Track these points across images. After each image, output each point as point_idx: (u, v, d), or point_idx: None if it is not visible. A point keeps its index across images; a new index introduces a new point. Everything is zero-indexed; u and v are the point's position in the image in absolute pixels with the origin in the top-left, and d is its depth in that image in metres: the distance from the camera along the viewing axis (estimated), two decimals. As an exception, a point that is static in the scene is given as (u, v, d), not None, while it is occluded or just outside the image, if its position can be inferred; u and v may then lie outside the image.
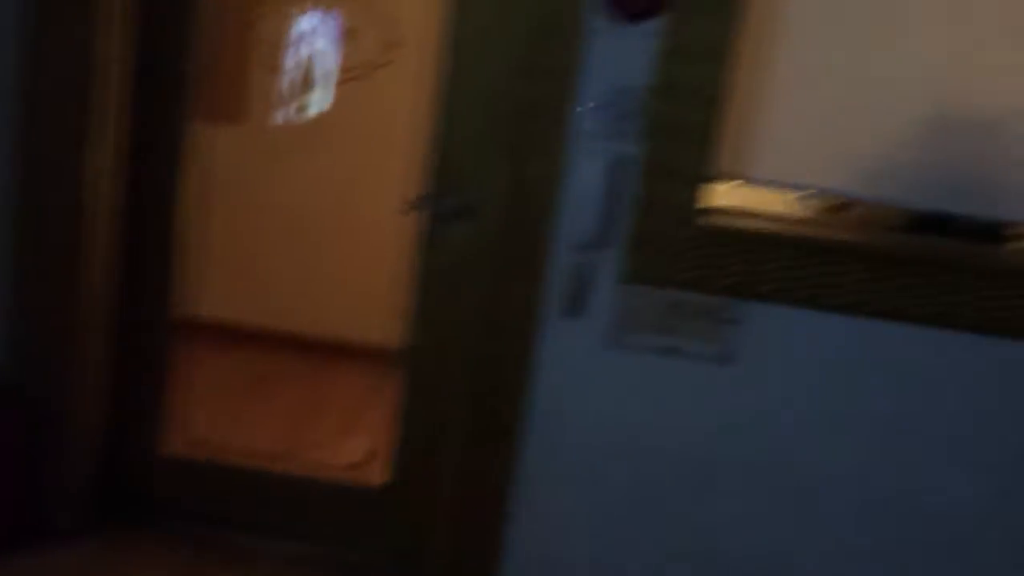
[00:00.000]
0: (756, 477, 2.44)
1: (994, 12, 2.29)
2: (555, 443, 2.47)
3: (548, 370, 2.44)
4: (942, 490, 2.40)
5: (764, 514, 2.46)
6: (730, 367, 2.40)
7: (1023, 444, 2.36)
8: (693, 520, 2.48)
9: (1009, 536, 2.39)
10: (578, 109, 2.32)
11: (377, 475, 2.83)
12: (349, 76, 4.19)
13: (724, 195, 2.45)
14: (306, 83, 4.25)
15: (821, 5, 2.32)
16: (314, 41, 4.21)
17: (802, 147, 2.41)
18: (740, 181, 2.45)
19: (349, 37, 4.17)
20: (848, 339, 2.38)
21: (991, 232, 2.52)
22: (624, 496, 2.49)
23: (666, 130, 2.31)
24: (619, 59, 2.29)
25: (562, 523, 2.52)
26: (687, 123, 2.31)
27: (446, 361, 2.60)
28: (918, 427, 2.39)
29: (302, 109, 4.29)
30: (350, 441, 3.44)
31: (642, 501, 2.48)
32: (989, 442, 2.37)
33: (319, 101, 4.27)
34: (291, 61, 4.23)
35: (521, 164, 2.38)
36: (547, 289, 2.40)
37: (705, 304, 2.39)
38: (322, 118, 4.26)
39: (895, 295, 2.36)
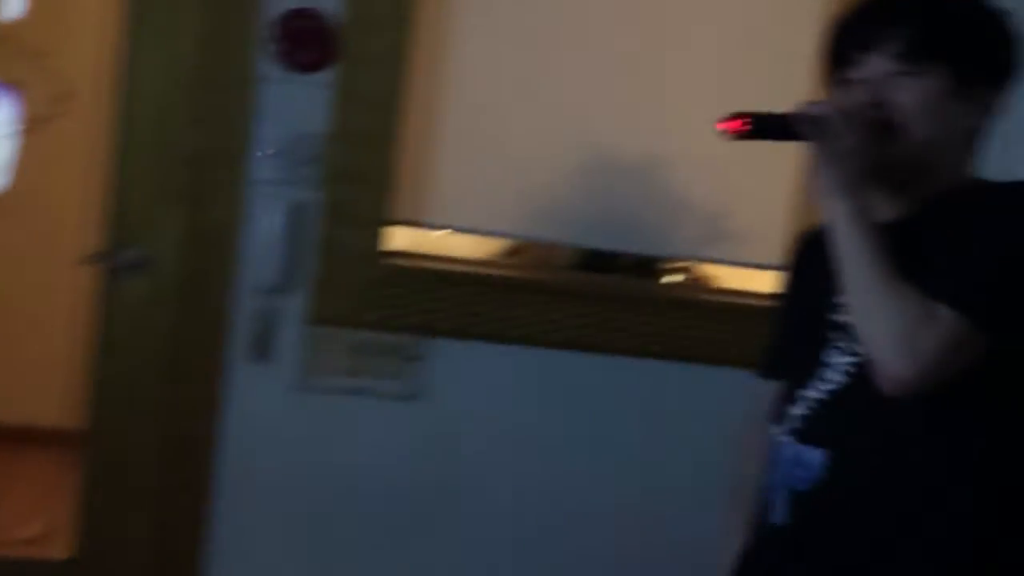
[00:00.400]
0: (450, 506, 2.51)
1: (639, 68, 2.55)
2: (248, 491, 2.43)
3: (237, 417, 2.41)
4: (622, 499, 2.57)
5: (463, 540, 2.52)
6: (418, 402, 2.47)
7: (685, 449, 2.56)
8: (394, 556, 2.51)
9: (665, 535, 2.56)
10: (257, 155, 2.35)
11: (60, 550, 2.66)
12: (19, 130, 4.01)
13: (406, 238, 2.55)
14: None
15: (483, 55, 2.48)
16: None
17: (477, 192, 2.54)
18: (420, 225, 2.56)
19: (16, 93, 3.99)
20: (527, 369, 2.52)
21: (648, 267, 2.78)
22: (322, 539, 2.47)
23: (343, 176, 2.38)
24: (295, 106, 2.34)
25: (261, 571, 2.47)
26: (363, 169, 2.39)
27: (131, 422, 2.50)
28: (588, 443, 2.54)
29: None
30: (29, 519, 3.21)
31: (340, 542, 2.48)
32: (651, 449, 2.57)
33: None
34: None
35: (200, 212, 2.37)
36: (232, 335, 2.39)
37: (391, 343, 2.46)
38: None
39: (567, 327, 2.53)
